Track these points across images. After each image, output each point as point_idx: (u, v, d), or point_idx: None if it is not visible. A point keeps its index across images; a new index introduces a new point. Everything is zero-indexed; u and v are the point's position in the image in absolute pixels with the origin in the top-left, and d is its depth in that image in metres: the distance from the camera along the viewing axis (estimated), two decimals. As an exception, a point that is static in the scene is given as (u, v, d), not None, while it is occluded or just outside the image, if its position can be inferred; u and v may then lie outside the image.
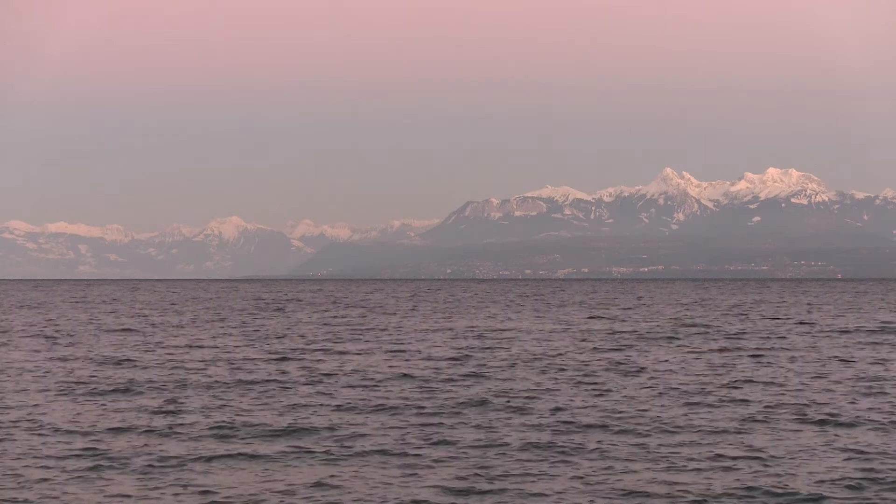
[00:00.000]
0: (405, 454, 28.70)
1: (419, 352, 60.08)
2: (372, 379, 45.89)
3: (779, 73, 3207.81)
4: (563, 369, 49.83)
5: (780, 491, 24.65)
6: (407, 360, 54.71)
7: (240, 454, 28.73)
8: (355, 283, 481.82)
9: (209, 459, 28.12)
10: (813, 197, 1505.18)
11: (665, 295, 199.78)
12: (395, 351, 60.80)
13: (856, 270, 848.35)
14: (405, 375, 47.24)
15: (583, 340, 69.10)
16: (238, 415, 35.63)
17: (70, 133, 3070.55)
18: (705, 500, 23.85)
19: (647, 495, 24.26)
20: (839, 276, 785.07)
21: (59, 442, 30.55)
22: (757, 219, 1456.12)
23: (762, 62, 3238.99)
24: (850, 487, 24.94)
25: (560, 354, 58.03)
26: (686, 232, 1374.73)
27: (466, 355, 57.45)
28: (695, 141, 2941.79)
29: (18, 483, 25.67)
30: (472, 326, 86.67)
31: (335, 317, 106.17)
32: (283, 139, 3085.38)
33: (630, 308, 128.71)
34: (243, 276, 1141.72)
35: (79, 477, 26.23)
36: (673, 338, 70.96)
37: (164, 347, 64.04)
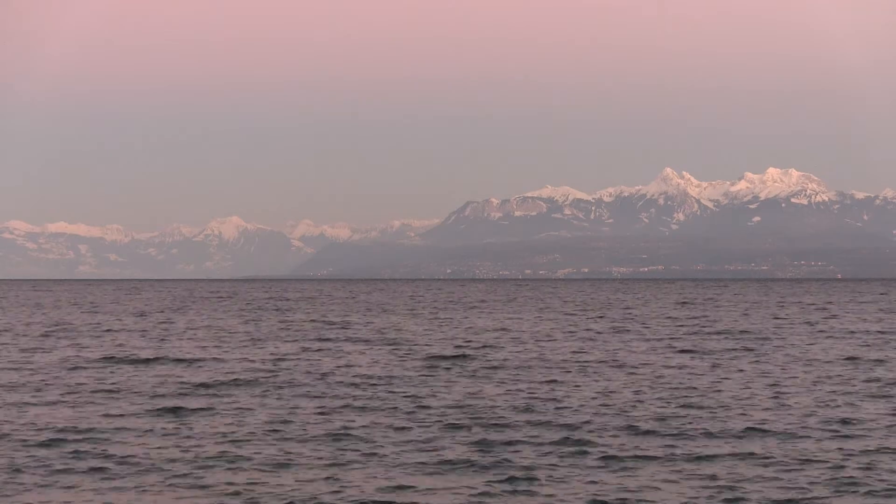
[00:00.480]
0: (415, 455, 28.46)
1: (423, 351, 59.89)
2: (377, 379, 45.70)
3: (779, 73, 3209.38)
4: (567, 371, 49.63)
5: (799, 497, 24.45)
6: (411, 361, 54.51)
7: (242, 457, 28.52)
8: (355, 282, 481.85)
9: (211, 461, 27.92)
10: (813, 197, 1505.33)
11: (666, 294, 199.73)
12: (400, 350, 60.61)
13: (856, 270, 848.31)
14: (408, 376, 47.06)
15: (587, 340, 68.91)
16: (243, 416, 35.42)
17: (70, 133, 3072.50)
18: None
19: (655, 499, 24.05)
20: (839, 276, 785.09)
21: (62, 442, 30.35)
22: (757, 219, 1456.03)
23: (762, 62, 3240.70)
24: (866, 494, 24.73)
25: (561, 353, 57.84)
26: (686, 232, 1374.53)
27: (471, 355, 57.24)
28: (695, 141, 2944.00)
29: (21, 486, 25.47)
30: (474, 326, 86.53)
31: (340, 317, 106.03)
32: (283, 139, 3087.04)
33: (632, 308, 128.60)
34: (243, 276, 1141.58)
35: (83, 479, 26.04)
36: (678, 338, 70.80)
37: (168, 348, 63.85)
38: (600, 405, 37.31)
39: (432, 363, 52.71)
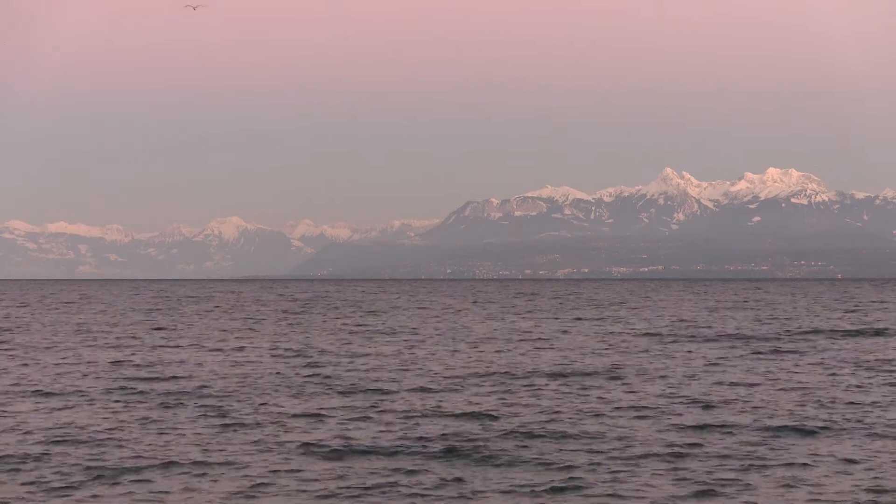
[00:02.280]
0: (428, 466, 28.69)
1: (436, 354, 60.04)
2: (388, 383, 45.88)
3: (778, 75, 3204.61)
4: (587, 374, 49.78)
5: None
6: (422, 367, 54.66)
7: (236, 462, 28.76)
8: (357, 282, 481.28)
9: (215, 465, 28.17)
10: (813, 197, 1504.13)
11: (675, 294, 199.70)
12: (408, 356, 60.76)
13: (856, 270, 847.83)
14: (420, 384, 47.23)
15: (597, 343, 69.03)
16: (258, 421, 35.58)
17: (70, 133, 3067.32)
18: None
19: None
20: (839, 276, 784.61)
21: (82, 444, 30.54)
22: (757, 219, 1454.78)
23: (761, 64, 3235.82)
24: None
25: (567, 357, 57.97)
26: (686, 232, 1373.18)
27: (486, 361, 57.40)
28: (695, 141, 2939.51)
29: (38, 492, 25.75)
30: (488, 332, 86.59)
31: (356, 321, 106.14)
32: (282, 140, 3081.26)
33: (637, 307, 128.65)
34: (243, 275, 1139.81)
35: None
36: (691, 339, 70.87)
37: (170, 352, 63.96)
38: (613, 410, 37.46)
39: (450, 369, 52.81)
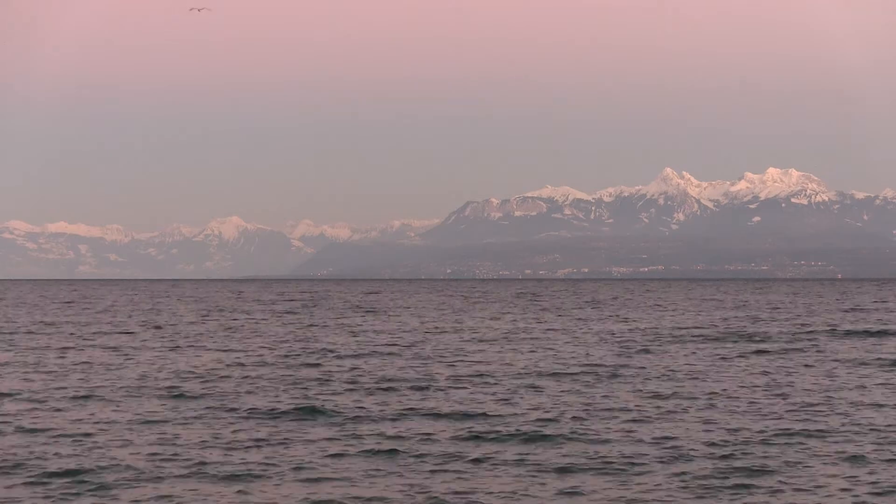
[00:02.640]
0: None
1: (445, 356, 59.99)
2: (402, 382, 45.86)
3: (779, 74, 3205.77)
4: (589, 374, 49.69)
5: None
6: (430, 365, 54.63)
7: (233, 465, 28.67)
8: (357, 282, 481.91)
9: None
10: (813, 197, 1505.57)
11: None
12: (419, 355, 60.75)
13: (856, 270, 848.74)
14: (430, 381, 47.18)
15: (598, 342, 69.03)
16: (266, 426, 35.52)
17: (70, 133, 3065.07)
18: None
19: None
20: (839, 276, 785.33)
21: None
22: (757, 219, 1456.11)
23: (762, 62, 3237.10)
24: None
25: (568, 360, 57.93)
26: (686, 232, 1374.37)
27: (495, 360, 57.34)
28: (695, 141, 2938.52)
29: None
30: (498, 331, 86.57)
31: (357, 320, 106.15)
32: (283, 139, 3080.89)
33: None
34: (243, 276, 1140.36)
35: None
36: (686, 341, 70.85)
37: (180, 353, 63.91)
38: (621, 412, 37.38)
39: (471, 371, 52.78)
